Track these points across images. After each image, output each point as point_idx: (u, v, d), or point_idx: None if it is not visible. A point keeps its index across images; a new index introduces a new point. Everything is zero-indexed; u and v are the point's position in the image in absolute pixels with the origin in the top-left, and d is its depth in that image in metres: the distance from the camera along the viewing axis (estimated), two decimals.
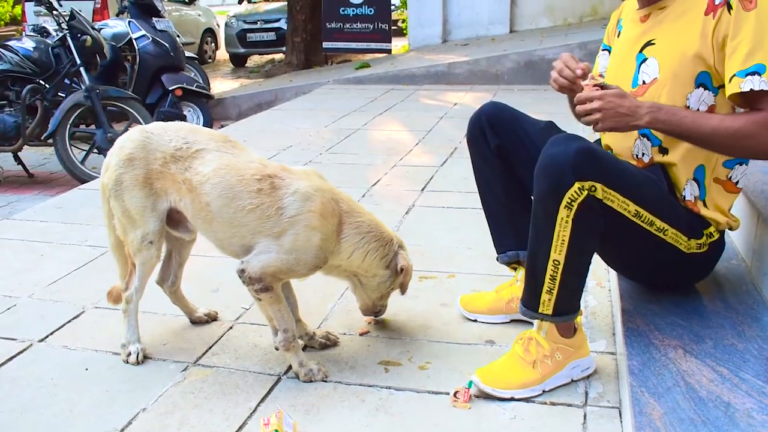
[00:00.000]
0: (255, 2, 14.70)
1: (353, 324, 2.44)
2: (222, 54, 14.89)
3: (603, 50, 2.31)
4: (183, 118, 6.81)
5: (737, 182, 1.99)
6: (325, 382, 2.10)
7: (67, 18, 5.77)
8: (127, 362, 2.25)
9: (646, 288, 2.17)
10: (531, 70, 7.57)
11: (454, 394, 1.97)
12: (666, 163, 1.96)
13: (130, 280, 2.28)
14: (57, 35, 5.83)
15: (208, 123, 6.91)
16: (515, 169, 2.26)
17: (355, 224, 2.11)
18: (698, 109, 1.88)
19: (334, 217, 2.08)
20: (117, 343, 2.30)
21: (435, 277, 2.82)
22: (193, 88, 6.86)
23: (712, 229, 1.97)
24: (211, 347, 2.34)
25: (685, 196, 1.96)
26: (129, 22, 6.91)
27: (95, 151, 5.75)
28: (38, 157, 6.69)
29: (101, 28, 7.58)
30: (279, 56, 13.16)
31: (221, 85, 11.55)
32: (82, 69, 5.67)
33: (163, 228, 2.20)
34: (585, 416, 1.88)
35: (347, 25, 11.06)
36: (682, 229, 1.91)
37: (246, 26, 13.31)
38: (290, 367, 2.14)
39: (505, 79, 7.67)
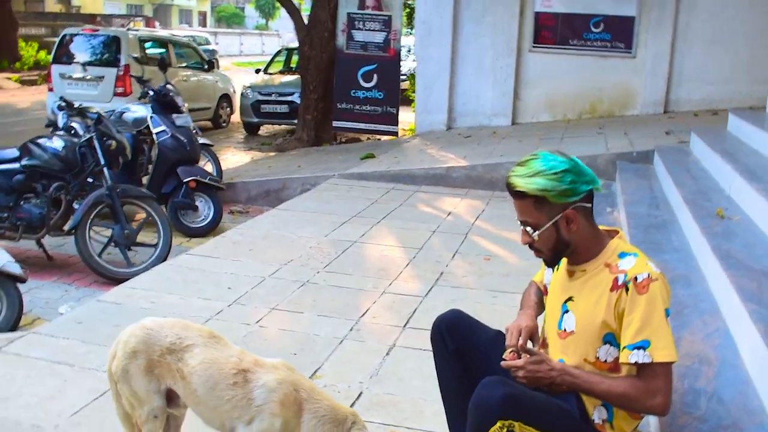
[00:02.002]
0: (271, 74, 15.37)
1: None
2: (236, 118, 15.52)
3: None
4: (195, 209, 7.36)
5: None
6: None
7: (94, 122, 6.32)
8: None
9: None
10: None
11: None
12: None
13: None
14: (85, 136, 6.35)
15: (219, 212, 7.44)
16: (471, 370, 2.69)
17: (313, 410, 2.57)
18: (605, 360, 2.35)
19: (295, 405, 2.55)
20: None
21: None
22: (206, 180, 7.41)
23: None
24: None
25: (594, 419, 2.41)
26: (151, 117, 7.52)
27: (112, 244, 6.24)
28: (57, 238, 7.16)
29: (123, 112, 8.25)
30: (291, 127, 13.76)
31: (233, 157, 12.13)
32: (105, 169, 6.20)
33: (164, 404, 2.69)
34: None
35: (357, 107, 11.73)
36: None
37: (261, 97, 13.98)
38: None
39: (500, 186, 8.16)
